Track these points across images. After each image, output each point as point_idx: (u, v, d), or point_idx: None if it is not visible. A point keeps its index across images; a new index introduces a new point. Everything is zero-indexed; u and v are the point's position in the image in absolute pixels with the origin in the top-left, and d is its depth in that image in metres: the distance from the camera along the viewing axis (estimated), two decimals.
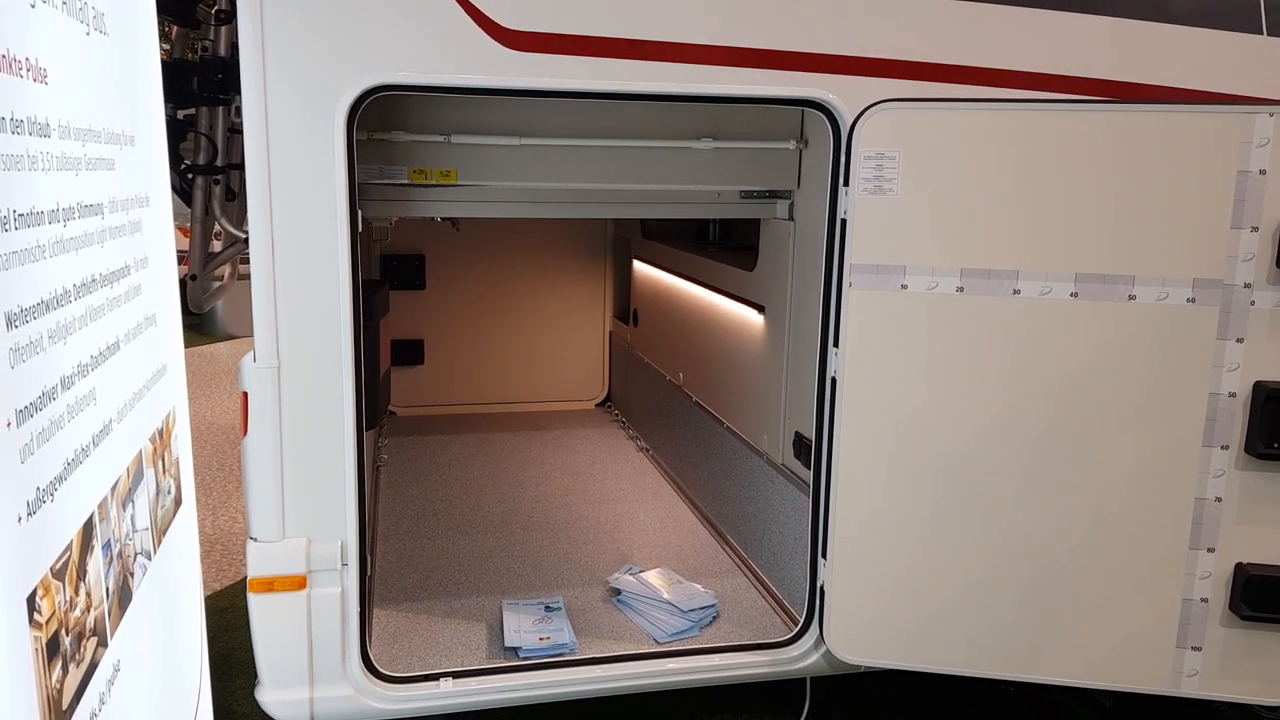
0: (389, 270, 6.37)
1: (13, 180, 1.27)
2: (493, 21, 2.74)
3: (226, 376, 9.81)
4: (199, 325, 11.92)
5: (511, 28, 2.76)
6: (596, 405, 7.02)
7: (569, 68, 2.83)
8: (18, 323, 1.27)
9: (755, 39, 2.94)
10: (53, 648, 1.33)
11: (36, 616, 1.27)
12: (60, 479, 1.39)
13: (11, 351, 1.24)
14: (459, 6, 2.72)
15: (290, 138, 2.70)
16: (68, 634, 1.39)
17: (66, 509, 1.42)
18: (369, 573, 3.14)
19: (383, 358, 5.36)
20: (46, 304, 1.38)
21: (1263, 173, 2.72)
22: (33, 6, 1.39)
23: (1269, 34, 3.22)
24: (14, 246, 1.26)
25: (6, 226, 1.24)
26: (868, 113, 2.87)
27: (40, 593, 1.29)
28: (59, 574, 1.37)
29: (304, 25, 2.67)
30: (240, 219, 4.15)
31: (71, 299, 1.50)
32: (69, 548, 1.42)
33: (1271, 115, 2.70)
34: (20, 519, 1.23)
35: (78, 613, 1.44)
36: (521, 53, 2.77)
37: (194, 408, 8.33)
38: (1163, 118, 2.78)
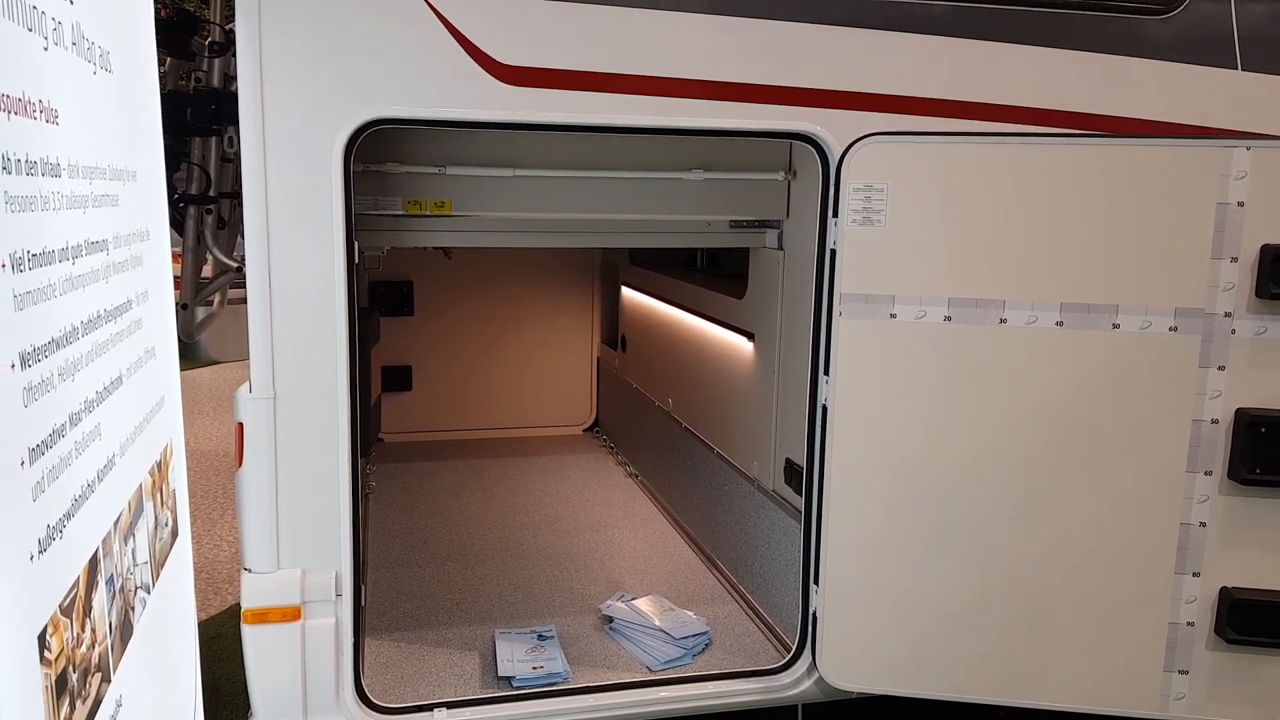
0: (377, 297, 6.38)
1: (27, 221, 1.29)
2: (489, 57, 2.78)
3: (210, 403, 9.76)
4: (182, 351, 11.85)
5: (507, 63, 2.80)
6: (584, 431, 7.03)
7: (563, 102, 2.87)
8: (30, 362, 1.28)
9: (745, 74, 2.99)
10: (61, 685, 1.33)
11: (46, 654, 1.27)
12: (68, 515, 1.40)
13: (25, 391, 1.25)
14: (456, 42, 2.76)
15: (288, 170, 2.73)
16: (75, 671, 1.39)
17: (74, 545, 1.42)
18: (362, 603, 3.14)
19: (374, 385, 5.36)
20: (56, 342, 1.39)
21: (1241, 204, 2.79)
22: (46, 49, 1.41)
23: (1243, 69, 3.31)
24: (28, 287, 1.28)
25: (21, 267, 1.26)
26: (856, 146, 2.92)
27: (50, 630, 1.29)
28: (67, 611, 1.37)
29: (303, 59, 2.70)
30: (230, 247, 4.17)
31: (79, 336, 1.51)
32: (76, 584, 1.43)
33: (1249, 149, 2.78)
34: (33, 557, 1.24)
35: (84, 649, 1.44)
36: (516, 87, 2.82)
37: None
38: (1144, 151, 2.85)
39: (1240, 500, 2.90)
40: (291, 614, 2.88)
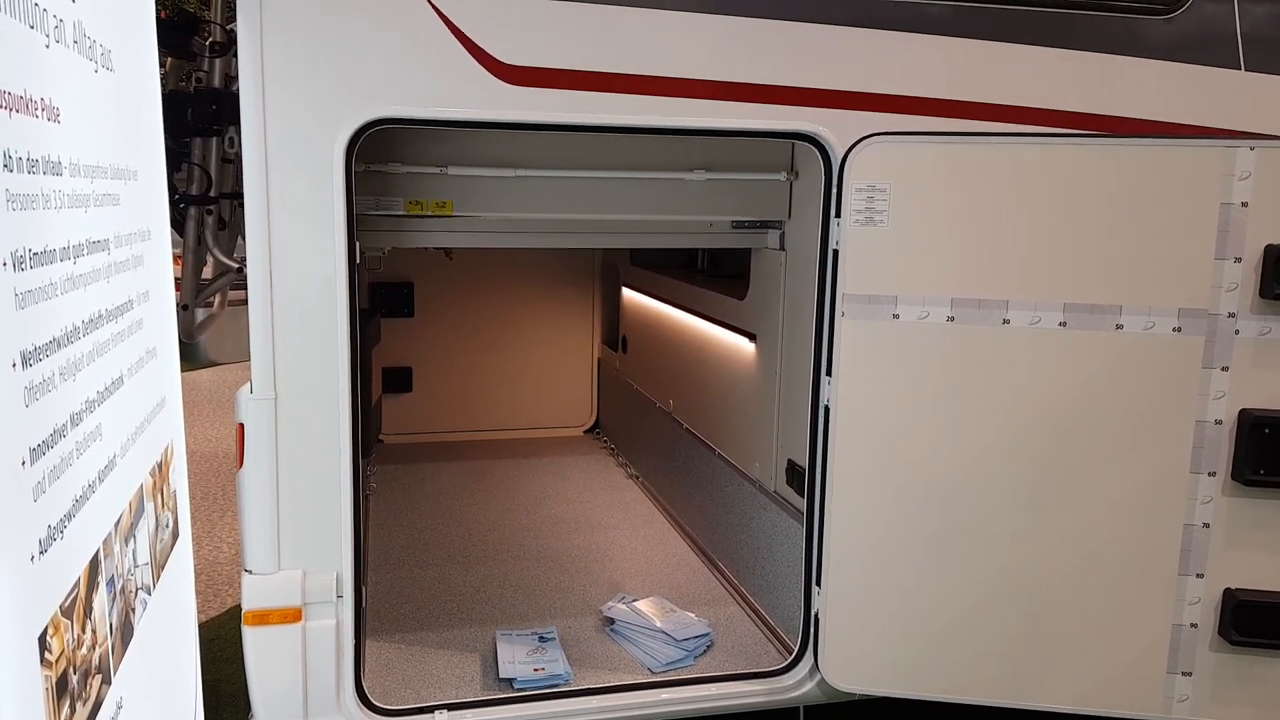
0: (378, 298, 6.37)
1: (28, 220, 1.28)
2: (491, 56, 2.78)
3: (210, 404, 9.74)
4: (182, 353, 11.81)
5: (509, 63, 2.79)
6: (585, 432, 7.03)
7: (565, 101, 2.86)
8: (31, 361, 1.27)
9: (748, 74, 2.99)
10: (61, 687, 1.32)
11: (47, 656, 1.26)
12: (69, 516, 1.39)
13: (26, 390, 1.24)
14: (458, 42, 2.75)
15: (289, 170, 2.72)
16: (75, 672, 1.38)
17: (75, 546, 1.41)
18: (363, 604, 3.13)
19: (374, 386, 5.35)
20: (58, 341, 1.39)
21: (1245, 205, 2.78)
22: (47, 47, 1.40)
23: (1246, 69, 3.31)
24: (29, 286, 1.27)
25: (22, 266, 1.25)
26: (859, 146, 2.91)
27: (51, 632, 1.28)
28: (67, 612, 1.36)
29: (304, 59, 2.69)
30: (231, 248, 4.16)
31: (80, 335, 1.50)
32: (76, 585, 1.42)
33: (1252, 149, 2.77)
34: (33, 558, 1.23)
35: (84, 650, 1.44)
36: (519, 87, 2.81)
37: None
38: (1148, 151, 2.84)
39: (1244, 501, 2.89)
40: (292, 615, 2.88)
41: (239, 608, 2.95)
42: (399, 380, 6.58)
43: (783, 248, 3.98)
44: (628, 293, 6.41)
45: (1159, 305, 2.85)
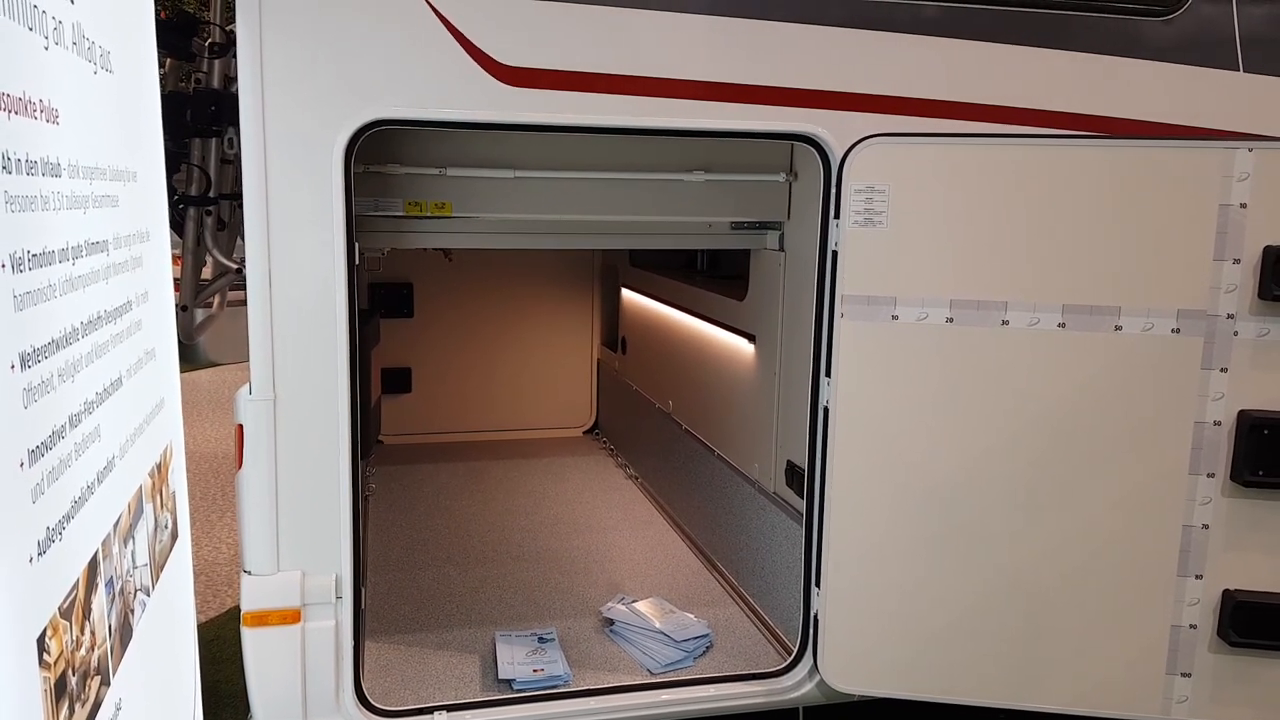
0: (377, 298, 6.37)
1: (27, 221, 1.28)
2: (490, 58, 2.78)
3: (209, 404, 9.74)
4: (181, 353, 11.81)
5: (508, 64, 2.80)
6: (584, 433, 7.03)
7: (564, 103, 2.87)
8: (30, 363, 1.27)
9: (746, 75, 2.99)
10: (60, 688, 1.32)
11: (46, 657, 1.26)
12: (68, 517, 1.39)
13: (25, 392, 1.24)
14: (457, 43, 2.75)
15: (289, 171, 2.72)
16: (74, 674, 1.38)
17: (74, 548, 1.41)
18: (362, 605, 3.13)
19: (373, 387, 5.35)
20: (57, 343, 1.39)
21: (1243, 206, 2.79)
22: (46, 49, 1.40)
23: (1245, 70, 3.31)
24: (28, 287, 1.27)
25: (21, 268, 1.25)
26: (858, 147, 2.92)
27: (49, 633, 1.28)
28: (66, 613, 1.36)
29: (303, 60, 2.70)
30: (230, 249, 4.16)
31: (79, 337, 1.50)
32: (75, 586, 1.42)
33: (1251, 150, 2.77)
34: (32, 559, 1.23)
35: (83, 652, 1.44)
36: (518, 88, 2.81)
37: None
38: (1146, 152, 2.85)
39: (1242, 502, 2.89)
40: (291, 616, 2.88)
41: (238, 609, 2.95)
42: (398, 381, 6.58)
43: (782, 249, 3.98)
44: (627, 294, 6.41)
45: (1158, 307, 2.86)
